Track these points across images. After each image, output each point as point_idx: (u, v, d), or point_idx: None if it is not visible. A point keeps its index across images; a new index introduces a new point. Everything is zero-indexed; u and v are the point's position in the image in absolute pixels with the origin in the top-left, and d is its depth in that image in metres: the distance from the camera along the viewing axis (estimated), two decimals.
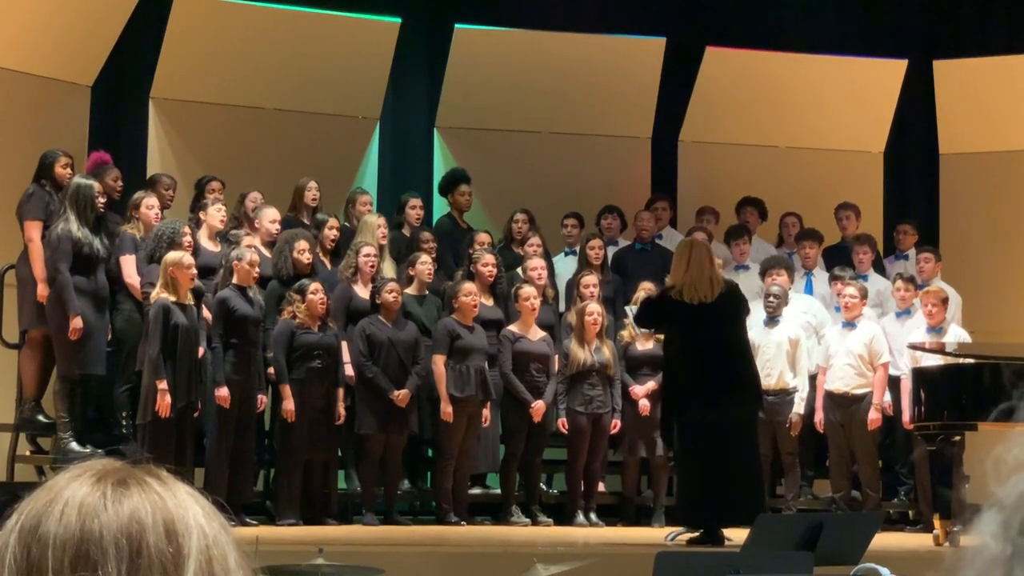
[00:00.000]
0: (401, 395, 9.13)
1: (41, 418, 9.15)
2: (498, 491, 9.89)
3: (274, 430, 9.22)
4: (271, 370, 8.99)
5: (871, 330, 9.89)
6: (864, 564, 4.57)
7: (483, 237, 10.37)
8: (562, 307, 10.37)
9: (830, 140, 12.23)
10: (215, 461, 8.64)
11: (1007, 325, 11.07)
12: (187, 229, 8.88)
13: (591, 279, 9.90)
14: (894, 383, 9.82)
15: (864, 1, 13.05)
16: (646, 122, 12.19)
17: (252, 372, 8.80)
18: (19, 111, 10.12)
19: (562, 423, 9.66)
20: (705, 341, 8.06)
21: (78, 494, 1.27)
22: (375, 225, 9.83)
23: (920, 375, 8.88)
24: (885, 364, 9.84)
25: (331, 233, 9.90)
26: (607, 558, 7.17)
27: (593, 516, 9.72)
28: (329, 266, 9.80)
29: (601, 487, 10.03)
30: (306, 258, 9.25)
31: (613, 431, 9.75)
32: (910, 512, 10.29)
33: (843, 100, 12.14)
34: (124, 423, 8.94)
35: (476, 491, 9.91)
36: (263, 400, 8.99)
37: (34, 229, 8.99)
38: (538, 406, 9.52)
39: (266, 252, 9.47)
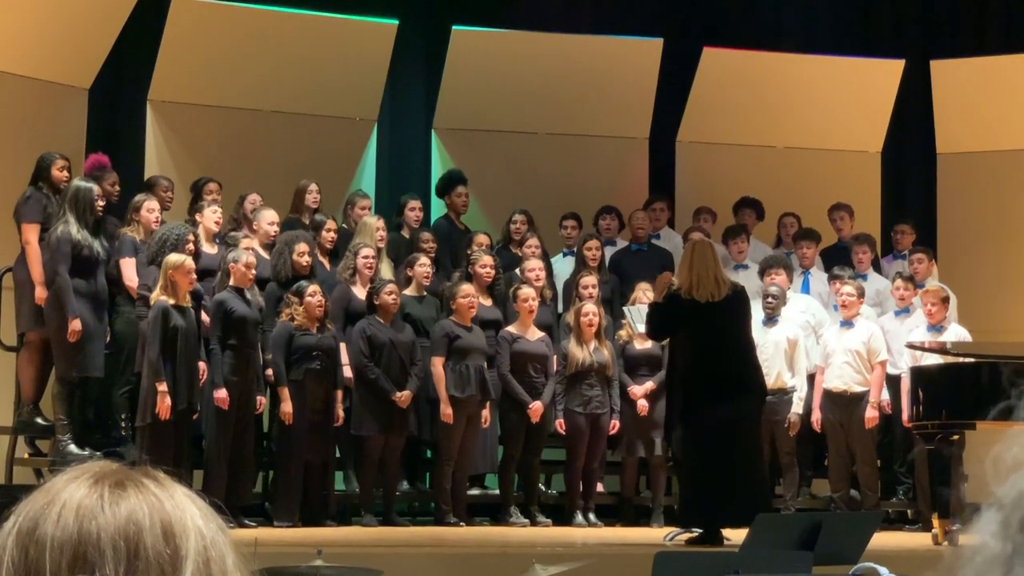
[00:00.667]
0: (403, 396, 9.14)
1: (39, 420, 9.15)
2: (497, 492, 9.89)
3: (272, 432, 9.22)
4: (269, 372, 8.99)
5: (869, 329, 9.90)
6: (863, 563, 4.58)
7: (481, 238, 10.38)
8: (560, 308, 10.37)
9: (827, 140, 12.24)
10: (214, 463, 8.64)
11: (1004, 324, 11.08)
12: (192, 235, 8.87)
13: (590, 280, 9.91)
14: (893, 382, 9.83)
15: (861, 1, 13.06)
16: (644, 123, 12.20)
17: (251, 374, 8.81)
18: (17, 114, 10.12)
19: (560, 424, 9.66)
20: (713, 340, 8.05)
21: (75, 496, 1.27)
22: (374, 227, 9.84)
23: (918, 374, 8.89)
24: (883, 363, 9.85)
25: (329, 235, 9.91)
26: (606, 558, 7.17)
27: (592, 516, 9.72)
28: (328, 267, 9.81)
29: (600, 487, 10.04)
30: (305, 260, 9.25)
31: (611, 431, 9.76)
32: (909, 511, 10.30)
33: (840, 100, 12.14)
34: (123, 425, 8.94)
35: (475, 492, 9.91)
36: (262, 402, 9.00)
37: (31, 232, 8.99)
38: (536, 407, 9.53)
39: (265, 254, 9.47)
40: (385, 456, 9.26)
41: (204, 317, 8.78)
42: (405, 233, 10.53)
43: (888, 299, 10.55)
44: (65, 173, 9.17)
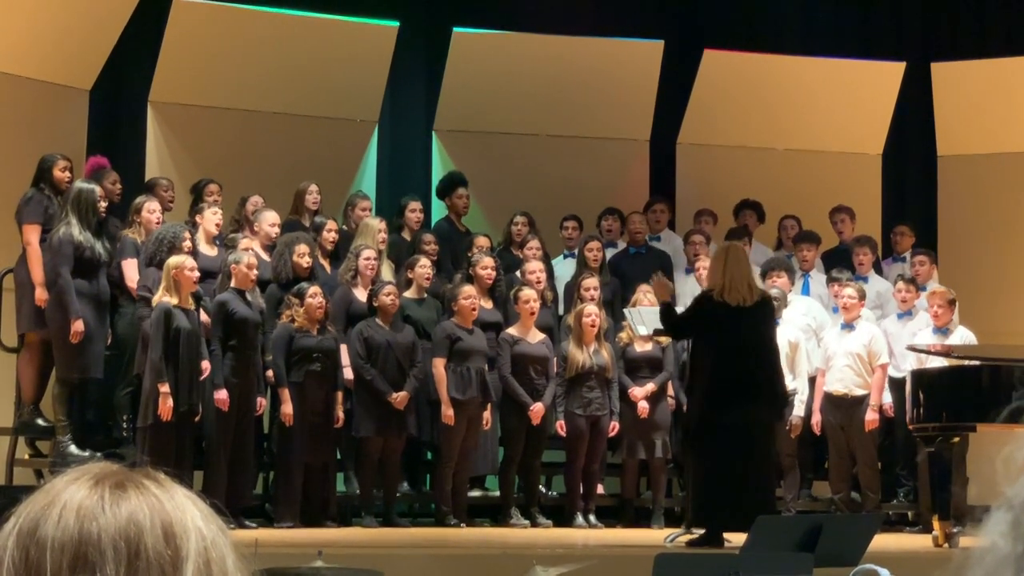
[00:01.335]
0: (399, 397, 9.14)
1: (40, 422, 9.15)
2: (497, 493, 9.90)
3: (273, 433, 9.22)
4: (270, 373, 8.99)
5: (870, 331, 9.90)
6: (863, 565, 4.57)
7: (482, 240, 10.38)
8: (561, 310, 10.37)
9: (828, 142, 12.24)
10: (214, 464, 8.64)
11: (1005, 327, 11.07)
12: (187, 234, 8.88)
13: (591, 281, 9.91)
14: (896, 384, 9.82)
15: (862, 4, 13.06)
16: (644, 125, 12.20)
17: (251, 375, 8.81)
18: (18, 115, 10.12)
19: (560, 425, 9.66)
20: (740, 344, 8.03)
21: (76, 497, 1.27)
22: (375, 229, 9.84)
23: (919, 377, 8.88)
24: (884, 365, 9.85)
25: (330, 235, 9.91)
26: (606, 560, 7.17)
27: (592, 518, 9.72)
28: (328, 269, 9.81)
29: (600, 489, 10.04)
30: (305, 262, 9.25)
31: (611, 433, 9.76)
32: (909, 513, 10.30)
33: (841, 102, 12.15)
34: (125, 426, 8.94)
35: (475, 493, 9.91)
36: (262, 403, 9.00)
37: (33, 233, 8.99)
38: (537, 408, 9.53)
39: (265, 256, 9.47)
40: (385, 457, 9.26)
41: (204, 318, 8.78)
42: (406, 235, 10.53)
43: (888, 301, 10.55)
44: (67, 174, 9.17)
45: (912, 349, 9.40)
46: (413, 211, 10.67)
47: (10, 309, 9.31)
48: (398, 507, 9.63)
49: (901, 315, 10.21)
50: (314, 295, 8.94)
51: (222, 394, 8.60)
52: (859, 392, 9.86)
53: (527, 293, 9.66)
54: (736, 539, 7.47)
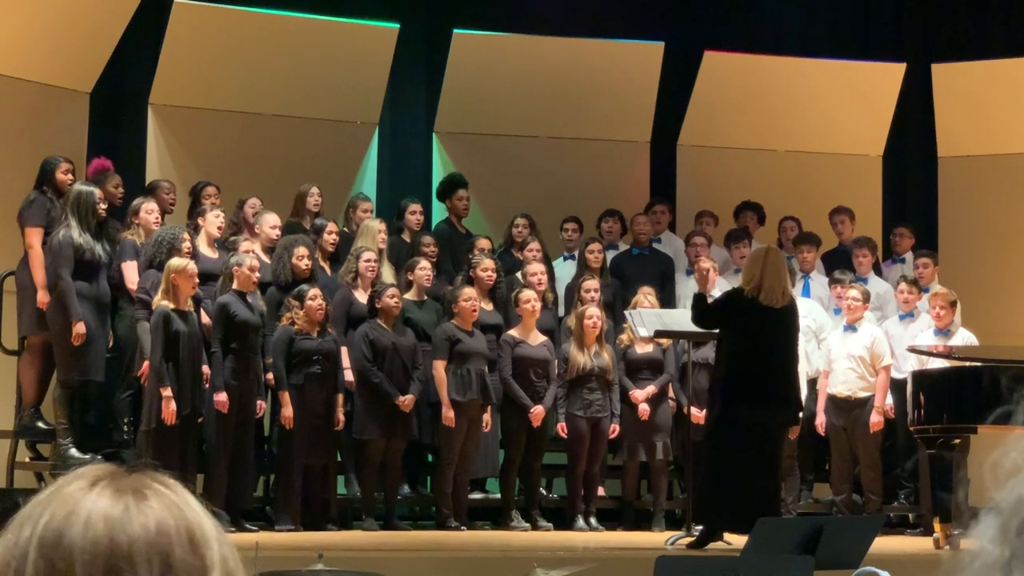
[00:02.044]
0: (406, 400, 9.13)
1: (40, 424, 9.15)
2: (498, 496, 9.89)
3: (273, 435, 9.22)
4: (270, 376, 8.99)
5: (872, 333, 9.89)
6: (864, 568, 4.57)
7: (483, 242, 10.38)
8: (561, 311, 10.37)
9: (829, 144, 12.24)
10: (215, 467, 8.64)
11: (1006, 328, 11.07)
12: (187, 235, 8.88)
13: (592, 283, 9.90)
14: (898, 386, 9.82)
15: (862, 5, 13.06)
16: (645, 126, 12.20)
17: (251, 378, 8.81)
18: (18, 118, 10.12)
19: (561, 427, 9.66)
20: (765, 345, 8.05)
21: (100, 505, 1.25)
22: (375, 230, 9.84)
23: (920, 378, 8.88)
24: (887, 367, 9.85)
25: (330, 237, 9.91)
26: (607, 562, 7.17)
27: (593, 520, 9.71)
28: (329, 271, 9.81)
29: (601, 491, 10.03)
30: (305, 264, 9.25)
31: (612, 435, 9.75)
32: (910, 515, 10.29)
33: (841, 104, 12.14)
34: (126, 429, 8.94)
35: (476, 496, 9.91)
36: (262, 406, 9.00)
37: (35, 235, 8.99)
38: (537, 411, 9.53)
39: (266, 258, 9.47)
40: (386, 460, 9.25)
41: (205, 319, 8.78)
42: (406, 236, 10.53)
43: (889, 303, 10.54)
44: (69, 176, 9.17)
45: (913, 351, 9.40)
46: (413, 213, 10.66)
47: (11, 312, 9.31)
48: (399, 510, 9.63)
49: (903, 316, 10.21)
50: (314, 297, 8.93)
51: (222, 396, 8.59)
52: (862, 394, 9.85)
53: (528, 295, 9.66)
54: (737, 541, 7.47)
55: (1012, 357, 8.76)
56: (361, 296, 9.49)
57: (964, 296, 10.56)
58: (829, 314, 10.40)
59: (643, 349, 9.88)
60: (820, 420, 9.96)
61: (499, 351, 9.60)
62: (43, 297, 8.86)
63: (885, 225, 12.05)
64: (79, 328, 8.70)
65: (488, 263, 9.83)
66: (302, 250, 9.29)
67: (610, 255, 10.81)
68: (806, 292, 10.70)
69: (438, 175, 11.75)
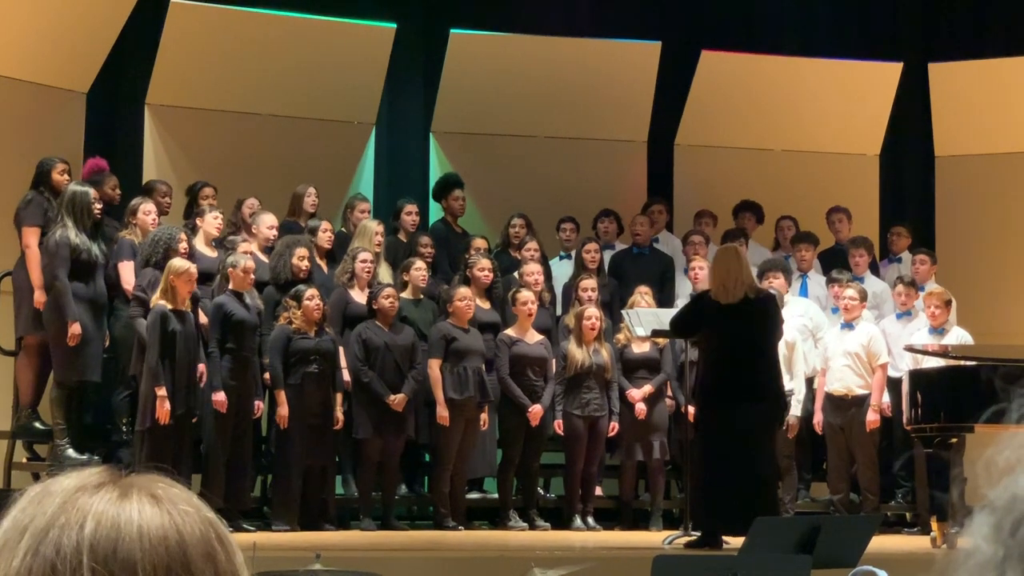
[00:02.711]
0: (397, 399, 9.13)
1: (37, 425, 9.15)
2: (495, 496, 9.89)
3: (271, 435, 9.22)
4: (267, 375, 8.98)
5: (869, 331, 9.90)
6: (861, 566, 4.58)
7: (479, 242, 10.38)
8: (559, 311, 10.37)
9: (826, 143, 12.24)
10: (212, 467, 8.64)
11: (1002, 327, 11.07)
12: (183, 235, 8.88)
13: (589, 283, 9.91)
14: (895, 385, 9.82)
15: (859, 4, 13.06)
16: (642, 126, 12.20)
17: (249, 378, 8.80)
18: (15, 118, 10.12)
19: (558, 425, 9.66)
20: (735, 343, 8.05)
21: (147, 512, 1.24)
22: (372, 231, 9.85)
23: (916, 377, 8.88)
24: (884, 365, 9.85)
25: (325, 236, 9.92)
26: (604, 562, 7.17)
27: (590, 520, 9.72)
28: (325, 271, 9.81)
29: (598, 491, 10.04)
30: (305, 265, 9.25)
31: (610, 434, 9.76)
32: (907, 514, 10.30)
33: (839, 103, 12.14)
34: (124, 429, 8.94)
35: (474, 496, 9.91)
36: (259, 406, 9.00)
37: (32, 236, 8.99)
38: (535, 410, 9.53)
39: (263, 258, 9.48)
40: (384, 459, 9.25)
41: (202, 319, 8.78)
42: (402, 237, 10.54)
43: (885, 302, 10.55)
44: (66, 177, 9.17)
45: (909, 349, 9.40)
46: (409, 213, 10.67)
47: (8, 312, 9.31)
48: (396, 510, 9.63)
49: (900, 315, 10.22)
50: (311, 297, 8.93)
51: (220, 396, 8.59)
52: (859, 392, 9.86)
53: (525, 295, 9.66)
54: (734, 540, 7.47)
55: (1008, 356, 8.77)
56: (357, 296, 9.50)
57: (961, 295, 10.57)
58: (827, 313, 10.41)
59: (640, 348, 9.88)
60: (818, 419, 9.97)
61: (496, 350, 9.60)
62: (40, 297, 8.86)
63: (882, 224, 12.06)
64: (75, 329, 8.69)
65: (485, 263, 9.83)
66: (303, 251, 9.29)
67: (609, 254, 10.82)
68: (803, 291, 10.71)
69: (435, 175, 11.75)
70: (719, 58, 12.09)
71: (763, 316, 8.25)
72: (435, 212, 11.44)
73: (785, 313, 10.04)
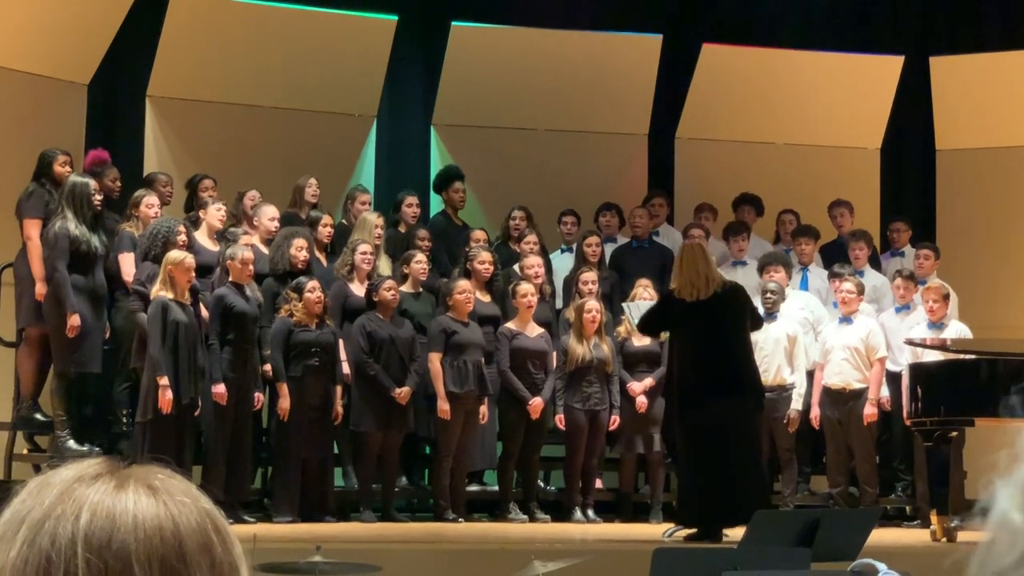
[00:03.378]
0: (403, 392, 9.14)
1: (38, 416, 9.15)
2: (496, 488, 9.90)
3: (271, 427, 9.22)
4: (268, 368, 8.98)
5: (868, 325, 9.90)
6: (861, 560, 4.58)
7: (479, 234, 10.38)
8: (559, 304, 10.38)
9: (827, 136, 12.24)
10: (212, 458, 8.64)
11: (1003, 321, 11.08)
12: (182, 228, 8.88)
13: (590, 276, 9.91)
14: (894, 379, 9.82)
15: None
16: (643, 119, 12.19)
17: (249, 370, 8.81)
18: (16, 110, 10.12)
19: (559, 419, 9.66)
20: (702, 339, 8.09)
21: (143, 503, 1.24)
22: (372, 223, 9.85)
23: (917, 371, 8.89)
24: (882, 359, 9.86)
25: (325, 230, 9.92)
26: (604, 555, 7.17)
27: (591, 513, 9.72)
28: (325, 263, 9.81)
29: (599, 484, 10.04)
30: (303, 256, 9.25)
31: (611, 428, 9.76)
32: (907, 508, 10.30)
33: (840, 97, 12.14)
34: (124, 421, 8.94)
35: (474, 488, 9.92)
36: (260, 398, 9.00)
37: (33, 227, 8.99)
38: (536, 403, 9.53)
39: (265, 250, 9.48)
40: (384, 452, 9.26)
41: (203, 310, 8.79)
42: (402, 229, 10.54)
43: (885, 296, 10.55)
44: (67, 169, 9.17)
45: (910, 343, 9.41)
46: (409, 206, 10.67)
47: (9, 304, 9.31)
48: (396, 502, 9.64)
49: (899, 309, 10.22)
50: (313, 289, 8.94)
51: (220, 388, 8.60)
52: (857, 386, 9.86)
53: (525, 287, 9.66)
54: (734, 534, 7.48)
55: (1009, 350, 8.78)
56: (357, 288, 9.50)
57: (962, 289, 10.57)
58: (828, 307, 10.41)
59: (640, 342, 9.88)
60: (814, 413, 9.97)
61: (497, 343, 9.60)
62: (41, 289, 8.86)
63: (883, 218, 12.05)
64: (73, 320, 8.69)
65: (485, 255, 9.83)
66: (301, 241, 9.29)
67: (610, 248, 10.82)
68: (804, 285, 10.71)
69: (436, 167, 11.74)
70: (720, 51, 12.08)
71: (733, 309, 8.29)
72: (435, 205, 11.44)
73: (786, 307, 10.07)
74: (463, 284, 9.49)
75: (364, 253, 9.50)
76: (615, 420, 9.73)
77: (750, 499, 7.68)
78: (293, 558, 5.76)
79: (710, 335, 8.12)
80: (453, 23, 11.84)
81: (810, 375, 10.03)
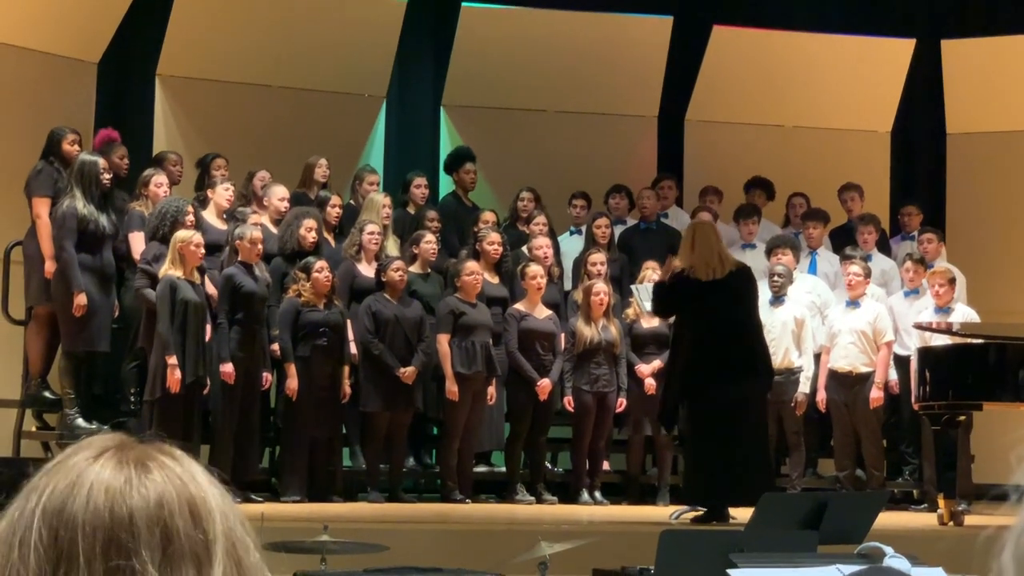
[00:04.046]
0: (407, 372, 9.14)
1: (47, 394, 9.18)
2: (503, 469, 9.91)
3: (279, 407, 9.23)
4: (276, 347, 8.99)
5: (875, 309, 9.89)
6: (868, 543, 4.57)
7: (488, 216, 10.37)
8: (568, 286, 10.37)
9: (837, 120, 12.21)
10: (220, 438, 8.66)
11: (1013, 305, 11.05)
12: (190, 207, 8.88)
13: (598, 257, 9.90)
14: (902, 362, 9.82)
15: None
16: (653, 101, 12.17)
17: (257, 349, 8.82)
18: (26, 88, 10.11)
19: (568, 401, 9.66)
20: (716, 319, 8.05)
21: (102, 476, 1.25)
22: (380, 204, 9.84)
23: (925, 355, 8.88)
24: (888, 343, 9.85)
25: (334, 211, 9.92)
26: (611, 536, 7.18)
27: (598, 494, 9.73)
28: (333, 244, 9.81)
29: (606, 465, 10.05)
30: (312, 236, 9.25)
31: (619, 410, 9.76)
32: (915, 491, 10.30)
33: (850, 80, 12.10)
34: (132, 399, 8.96)
35: (481, 469, 9.93)
36: (268, 378, 9.01)
37: (42, 206, 9.00)
38: (544, 384, 9.54)
39: (274, 230, 9.48)
40: (392, 432, 9.27)
41: (211, 290, 8.79)
42: (410, 210, 10.53)
43: (893, 279, 10.53)
44: (76, 147, 9.17)
45: (919, 327, 9.40)
46: (418, 186, 10.66)
47: (19, 282, 9.32)
48: (404, 483, 9.65)
49: (908, 293, 10.20)
50: (321, 269, 8.94)
51: (228, 367, 8.61)
52: (864, 369, 9.85)
53: (534, 269, 9.66)
54: (741, 516, 7.49)
55: (1018, 334, 8.76)
56: (364, 269, 9.50)
57: (972, 273, 10.56)
58: (838, 291, 10.39)
59: (648, 324, 9.88)
60: (820, 396, 9.96)
61: (505, 325, 9.60)
62: (50, 267, 8.88)
63: (893, 201, 12.03)
64: (80, 300, 8.71)
65: (495, 236, 9.83)
66: (311, 222, 9.29)
67: (618, 230, 10.81)
68: (812, 268, 10.70)
69: (445, 148, 11.73)
70: (731, 33, 12.05)
71: (747, 290, 8.28)
72: (444, 186, 11.43)
73: (793, 290, 10.06)
74: (471, 265, 9.49)
75: (372, 233, 9.50)
76: (622, 402, 9.74)
77: (758, 480, 7.69)
78: (300, 537, 5.77)
79: (727, 315, 8.08)
80: (463, 4, 11.82)
81: (818, 358, 10.03)
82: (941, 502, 8.56)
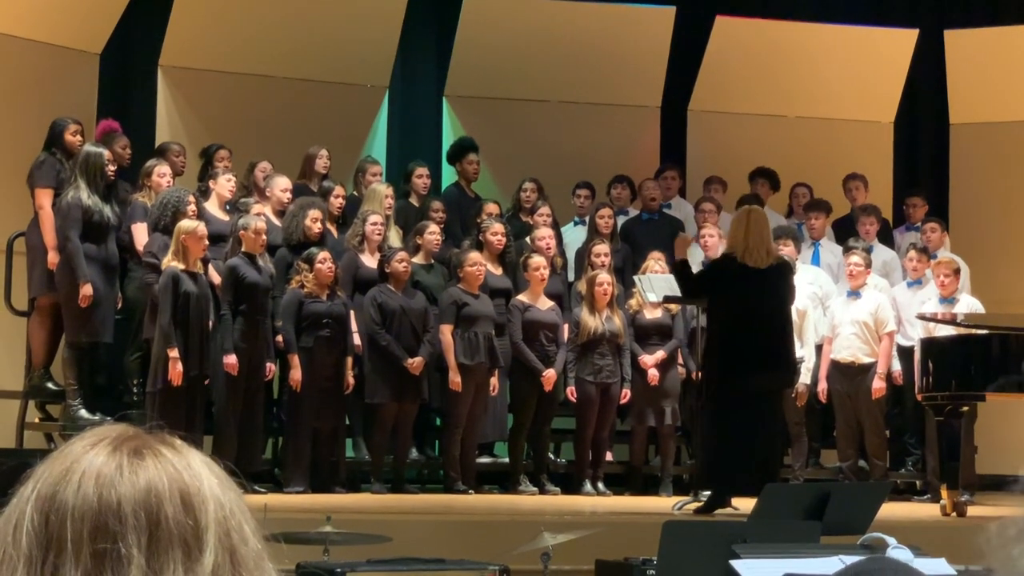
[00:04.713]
0: (415, 363, 9.14)
1: (50, 385, 9.18)
2: (506, 460, 9.91)
3: (282, 398, 9.24)
4: (279, 338, 8.99)
5: (877, 299, 9.88)
6: (871, 534, 4.57)
7: (491, 207, 10.36)
8: (571, 276, 10.37)
9: (840, 110, 12.20)
10: (224, 429, 8.66)
11: (1016, 295, 11.05)
12: (192, 198, 8.88)
13: (602, 248, 9.90)
14: (905, 353, 9.81)
15: None
16: (656, 91, 12.16)
17: (260, 340, 8.82)
18: (28, 79, 10.10)
19: (571, 391, 9.66)
20: (757, 307, 7.99)
21: (94, 463, 1.26)
22: (382, 194, 9.83)
23: (928, 345, 8.88)
24: (890, 333, 9.84)
25: (337, 201, 9.92)
26: (614, 527, 7.18)
27: (600, 485, 9.73)
28: (336, 234, 9.81)
29: (609, 456, 10.05)
30: (317, 227, 9.24)
31: (623, 401, 9.76)
32: (917, 482, 10.30)
33: (853, 70, 12.09)
34: (135, 390, 8.96)
35: (484, 460, 9.93)
36: (271, 368, 9.01)
37: (45, 197, 9.00)
38: (549, 375, 9.54)
39: (276, 221, 9.48)
40: (398, 423, 9.27)
41: (215, 278, 8.79)
42: (413, 200, 10.52)
43: (895, 270, 10.52)
44: (79, 138, 9.17)
45: (922, 318, 9.39)
46: (420, 177, 10.65)
47: (21, 273, 9.33)
48: (407, 473, 9.65)
49: (911, 283, 10.19)
50: (324, 260, 8.94)
51: (231, 359, 8.61)
52: (866, 360, 9.85)
53: (537, 260, 9.65)
54: (744, 506, 7.49)
55: (1022, 325, 8.75)
56: (367, 260, 9.49)
57: (975, 263, 10.55)
58: (840, 282, 10.38)
59: (652, 314, 9.88)
60: (822, 387, 9.95)
61: (508, 315, 9.60)
62: (53, 258, 8.88)
63: (896, 192, 12.02)
64: (86, 290, 8.71)
65: (498, 227, 9.82)
66: (316, 213, 9.28)
67: (621, 220, 10.80)
68: (815, 259, 10.68)
69: (448, 139, 11.73)
70: (733, 23, 12.03)
71: (788, 282, 8.27)
72: (447, 176, 11.42)
73: (796, 280, 10.04)
74: (474, 256, 9.48)
75: (375, 224, 9.50)
76: (626, 393, 9.73)
77: (767, 467, 7.69)
78: (304, 528, 5.78)
79: (770, 304, 8.04)
80: None
81: (819, 349, 10.02)
82: (944, 493, 8.56)
